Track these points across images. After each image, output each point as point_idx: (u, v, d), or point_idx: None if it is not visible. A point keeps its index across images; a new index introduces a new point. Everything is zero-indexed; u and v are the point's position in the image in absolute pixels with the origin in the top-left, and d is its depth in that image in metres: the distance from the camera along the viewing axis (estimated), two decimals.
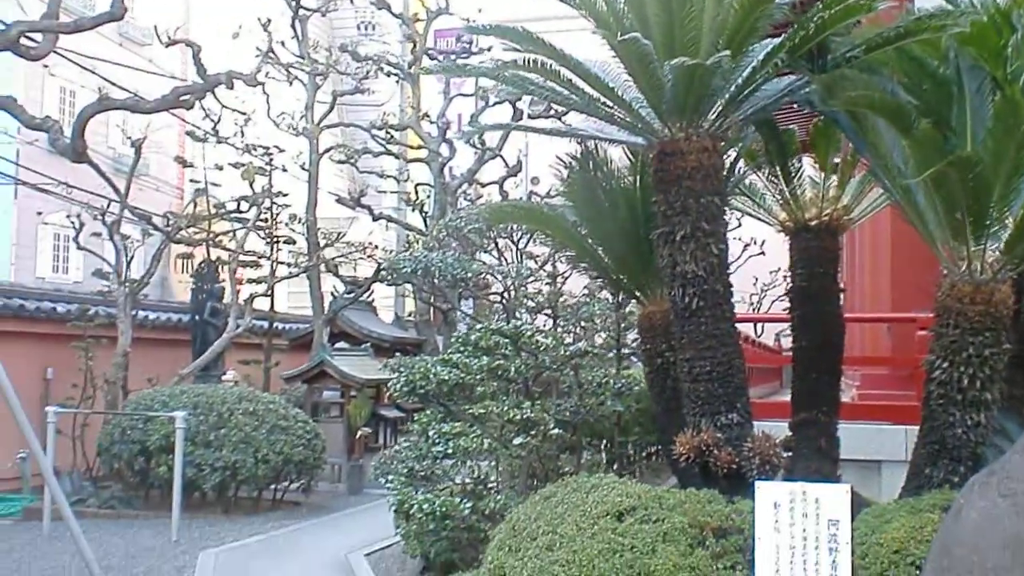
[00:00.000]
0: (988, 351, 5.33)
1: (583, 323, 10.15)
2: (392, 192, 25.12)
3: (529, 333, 7.67)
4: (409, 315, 23.32)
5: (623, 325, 9.28)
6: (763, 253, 24.38)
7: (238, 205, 18.89)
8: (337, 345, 17.96)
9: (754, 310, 28.20)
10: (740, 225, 20.85)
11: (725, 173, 6.85)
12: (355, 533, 11.91)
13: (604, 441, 9.91)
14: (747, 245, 24.35)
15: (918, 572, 4.35)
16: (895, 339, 10.61)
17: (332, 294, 19.91)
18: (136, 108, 13.84)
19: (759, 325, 24.27)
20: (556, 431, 7.17)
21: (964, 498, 4.09)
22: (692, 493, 5.28)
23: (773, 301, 27.99)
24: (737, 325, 12.34)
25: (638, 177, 7.26)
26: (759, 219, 7.89)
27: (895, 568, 4.47)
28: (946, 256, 5.46)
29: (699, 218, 5.91)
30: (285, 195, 19.70)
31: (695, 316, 5.96)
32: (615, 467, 9.54)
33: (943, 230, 5.33)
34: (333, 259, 20.25)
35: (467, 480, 7.65)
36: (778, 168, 7.22)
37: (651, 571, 4.69)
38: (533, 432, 7.02)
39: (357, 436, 15.93)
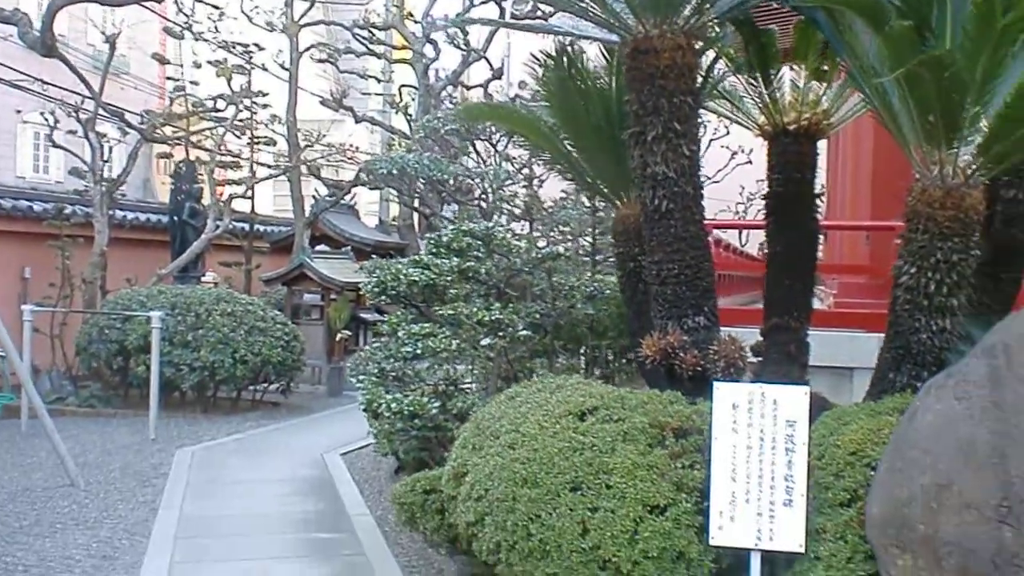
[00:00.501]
0: (956, 256, 5.28)
1: (561, 227, 10.07)
2: (377, 94, 24.76)
3: (501, 235, 7.60)
4: (393, 220, 23.21)
5: (599, 230, 9.21)
6: (750, 162, 24.20)
7: (214, 103, 18.57)
8: (318, 248, 17.90)
9: (740, 220, 28.13)
10: (728, 133, 20.74)
11: (703, 74, 6.72)
12: (333, 434, 12.05)
13: (582, 346, 9.93)
14: (735, 153, 24.19)
15: (873, 473, 4.37)
16: (873, 247, 10.61)
17: (314, 197, 19.75)
18: (105, 0, 13.45)
19: (744, 234, 24.30)
20: (524, 332, 7.15)
21: (920, 401, 4.09)
22: (655, 394, 5.29)
23: (759, 211, 27.87)
24: (719, 232, 12.33)
25: (614, 78, 7.11)
26: (738, 122, 7.76)
27: (851, 469, 4.49)
28: (919, 160, 5.38)
29: (671, 118, 5.80)
30: (265, 95, 19.37)
31: (665, 218, 5.89)
32: (591, 371, 9.59)
33: (916, 133, 5.23)
34: (314, 161, 20.02)
35: (439, 381, 7.67)
36: (757, 70, 7.07)
37: (610, 469, 4.71)
38: (501, 333, 7.00)
39: (337, 338, 15.99)
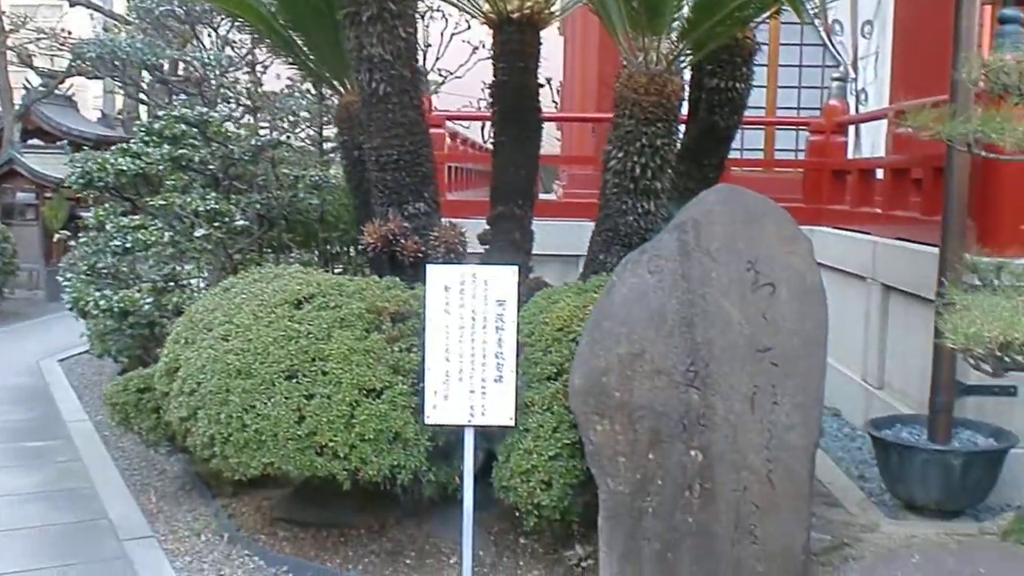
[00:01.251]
0: (660, 141, 5.51)
1: (290, 118, 9.72)
2: None
3: (217, 122, 7.21)
4: (118, 113, 21.65)
5: (326, 118, 8.95)
6: (491, 58, 24.20)
7: None
8: (30, 143, 16.45)
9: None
10: (469, 27, 20.67)
11: None
12: (51, 340, 11.33)
13: (316, 240, 9.67)
14: (476, 48, 24.18)
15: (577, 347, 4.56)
16: (599, 139, 10.96)
17: (25, 87, 18.04)
18: None
19: (487, 130, 24.52)
20: (242, 223, 6.89)
21: (617, 275, 4.28)
22: (373, 280, 5.27)
23: None
24: (454, 125, 12.31)
25: None
26: (462, 9, 7.70)
27: (558, 344, 4.68)
28: (626, 47, 5.53)
29: None
30: None
31: (382, 102, 5.77)
32: (331, 267, 9.39)
33: (623, 20, 5.38)
34: (23, 47, 18.24)
35: (159, 278, 7.30)
36: None
37: (325, 356, 4.67)
38: (217, 224, 6.71)
39: (55, 240, 14.85)
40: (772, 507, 4.11)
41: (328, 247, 9.18)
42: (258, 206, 7.40)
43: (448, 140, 11.44)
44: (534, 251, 7.56)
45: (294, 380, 4.63)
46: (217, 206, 6.74)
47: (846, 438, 7.68)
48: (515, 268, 4.58)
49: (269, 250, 8.50)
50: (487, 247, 7.34)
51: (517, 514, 4.53)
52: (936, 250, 6.06)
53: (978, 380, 5.88)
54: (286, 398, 4.56)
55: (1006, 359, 3.66)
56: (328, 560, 4.99)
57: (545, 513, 4.42)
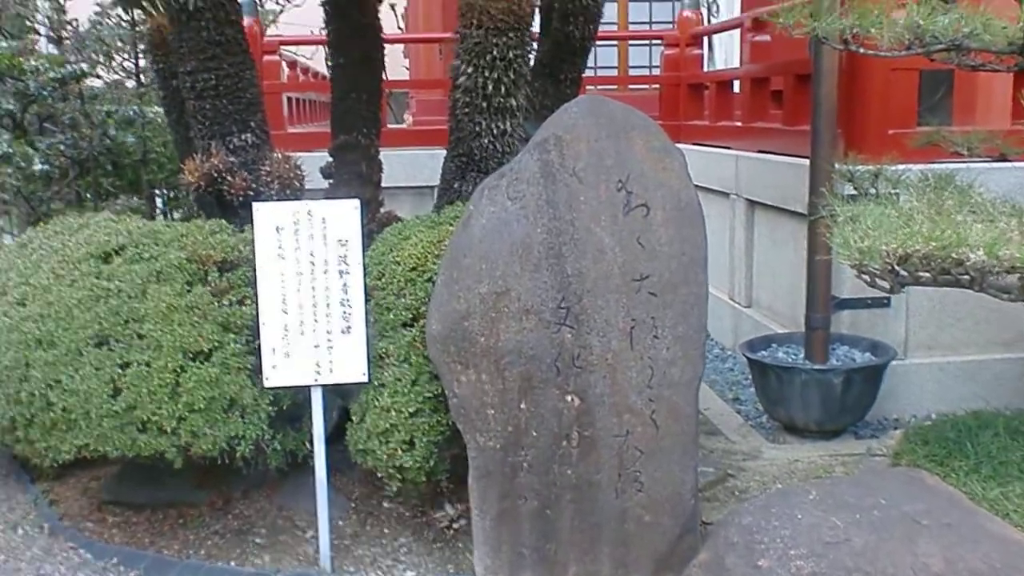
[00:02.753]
0: (512, 53, 4.98)
1: (103, 48, 8.73)
2: None
3: (7, 54, 6.27)
4: None
5: (141, 47, 8.05)
6: None
7: None
8: None
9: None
10: None
11: None
12: None
13: (142, 184, 8.78)
14: None
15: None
16: (446, 60, 10.36)
17: None
18: None
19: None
20: (40, 167, 6.04)
21: (474, 205, 3.76)
22: (194, 225, 4.59)
23: None
24: (291, 52, 11.47)
25: None
26: None
27: (412, 286, 4.14)
28: None
29: None
30: None
31: (194, 19, 5.01)
32: (170, 215, 8.56)
33: None
34: None
35: None
36: None
37: (141, 316, 4.01)
38: (11, 171, 5.86)
39: None
40: (657, 450, 3.73)
41: (161, 191, 8.35)
42: (62, 147, 6.52)
43: (286, 69, 10.62)
44: (384, 184, 7.01)
45: (105, 347, 3.97)
46: (10, 149, 5.87)
47: (717, 359, 7.49)
48: (356, 202, 4.01)
49: (89, 198, 7.63)
50: (331, 181, 6.73)
51: (379, 477, 4.04)
52: (800, 160, 5.81)
53: (851, 293, 5.72)
54: (97, 369, 3.91)
55: (903, 273, 3.33)
56: (165, 547, 4.38)
57: (409, 476, 3.94)
